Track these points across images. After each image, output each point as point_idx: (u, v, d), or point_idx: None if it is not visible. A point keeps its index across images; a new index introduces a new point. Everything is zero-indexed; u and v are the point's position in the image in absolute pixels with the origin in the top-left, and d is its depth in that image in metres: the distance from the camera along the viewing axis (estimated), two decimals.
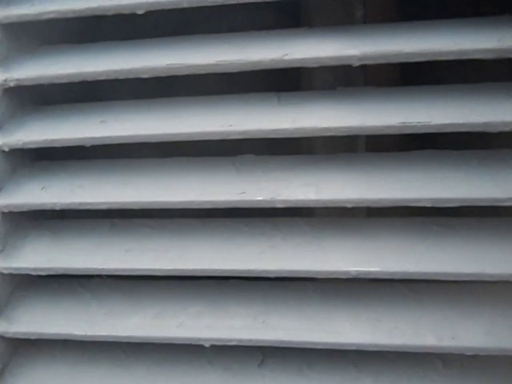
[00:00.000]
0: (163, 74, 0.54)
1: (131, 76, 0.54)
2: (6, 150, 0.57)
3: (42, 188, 0.58)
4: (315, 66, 0.52)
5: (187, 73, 0.53)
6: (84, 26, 0.65)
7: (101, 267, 0.55)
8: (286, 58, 0.52)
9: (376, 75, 0.65)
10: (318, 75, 0.67)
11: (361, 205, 0.51)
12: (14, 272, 0.57)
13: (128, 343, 0.58)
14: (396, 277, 0.51)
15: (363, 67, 0.65)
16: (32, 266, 0.57)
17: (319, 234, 0.55)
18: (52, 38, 0.62)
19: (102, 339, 0.56)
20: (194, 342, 0.54)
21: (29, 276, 0.58)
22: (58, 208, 0.56)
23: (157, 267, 0.54)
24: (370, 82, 0.66)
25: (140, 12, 0.54)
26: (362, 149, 0.66)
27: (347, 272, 0.51)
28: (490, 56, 0.48)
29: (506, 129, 0.48)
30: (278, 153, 0.57)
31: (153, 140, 0.54)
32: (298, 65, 0.52)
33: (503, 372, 0.53)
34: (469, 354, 0.50)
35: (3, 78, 0.56)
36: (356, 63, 0.51)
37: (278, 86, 0.59)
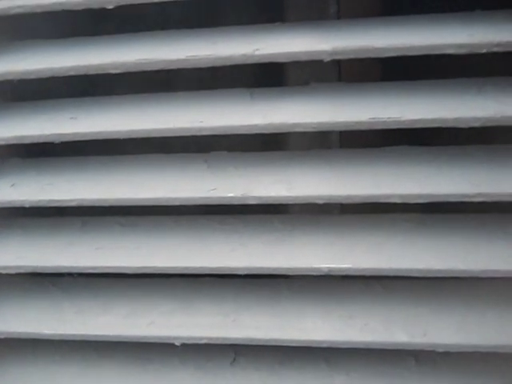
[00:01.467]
0: (133, 70, 0.53)
1: (100, 71, 0.54)
2: None
3: (12, 185, 0.57)
4: (286, 61, 0.51)
5: (157, 68, 0.53)
6: (57, 20, 0.65)
7: (70, 265, 0.55)
8: (257, 53, 0.51)
9: (351, 72, 0.64)
10: (294, 72, 0.66)
11: (332, 201, 0.51)
12: None
13: (100, 342, 0.57)
14: (367, 273, 0.50)
15: (338, 64, 0.65)
16: (1, 264, 0.56)
17: (292, 232, 0.55)
18: (22, 33, 0.61)
19: (72, 338, 0.55)
20: (164, 341, 0.53)
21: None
22: (27, 205, 0.55)
23: (127, 265, 0.54)
24: (345, 78, 0.65)
25: (110, 6, 0.53)
26: (335, 145, 0.65)
27: (318, 269, 0.51)
28: (461, 51, 0.48)
29: (477, 124, 0.48)
30: (257, 150, 0.57)
31: (121, 136, 0.54)
32: (269, 60, 0.51)
33: (476, 369, 0.52)
34: (440, 350, 0.50)
35: None
36: (327, 58, 0.50)
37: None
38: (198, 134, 0.53)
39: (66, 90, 0.62)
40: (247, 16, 0.67)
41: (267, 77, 0.70)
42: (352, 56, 0.50)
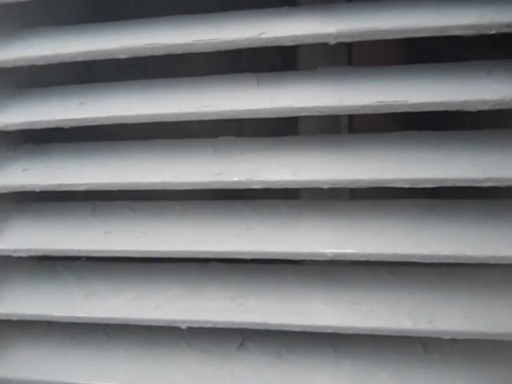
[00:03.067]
0: (140, 55, 0.53)
1: (108, 57, 0.54)
2: None
3: (24, 170, 0.58)
4: (291, 44, 0.51)
5: (163, 53, 0.53)
6: (65, 9, 0.65)
7: (80, 248, 0.55)
8: (263, 36, 0.51)
9: (362, 58, 0.64)
10: (304, 58, 0.66)
11: (338, 185, 0.51)
12: None
13: (109, 325, 0.58)
14: (372, 259, 0.50)
15: (348, 49, 0.64)
16: (12, 247, 0.57)
17: (298, 217, 0.54)
18: (33, 20, 0.61)
19: (81, 321, 0.56)
20: (170, 324, 0.54)
21: (11, 258, 0.58)
22: (37, 190, 0.56)
23: (135, 249, 0.54)
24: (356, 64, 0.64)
25: None
26: (344, 130, 0.65)
27: (323, 254, 0.50)
28: (469, 32, 0.47)
29: (485, 107, 0.47)
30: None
31: (128, 121, 0.54)
32: (274, 44, 0.51)
33: (483, 357, 0.52)
34: (446, 337, 0.49)
35: None
36: (332, 41, 0.50)
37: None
38: (204, 118, 0.53)
39: (74, 77, 0.62)
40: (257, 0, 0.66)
41: (278, 64, 0.70)
42: (358, 39, 0.49)
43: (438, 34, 0.47)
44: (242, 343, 0.56)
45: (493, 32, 0.46)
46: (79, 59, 0.54)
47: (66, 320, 0.56)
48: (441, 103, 0.48)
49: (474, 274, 0.52)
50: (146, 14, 0.57)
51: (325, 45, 0.52)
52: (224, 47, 0.52)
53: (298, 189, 0.66)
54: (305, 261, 0.55)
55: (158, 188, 0.53)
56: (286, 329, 0.52)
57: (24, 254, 0.57)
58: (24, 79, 0.61)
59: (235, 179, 0.52)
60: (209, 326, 0.53)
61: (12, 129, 0.57)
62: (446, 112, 0.49)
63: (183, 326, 0.53)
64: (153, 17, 0.56)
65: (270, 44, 0.51)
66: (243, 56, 0.75)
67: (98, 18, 0.59)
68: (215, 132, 0.57)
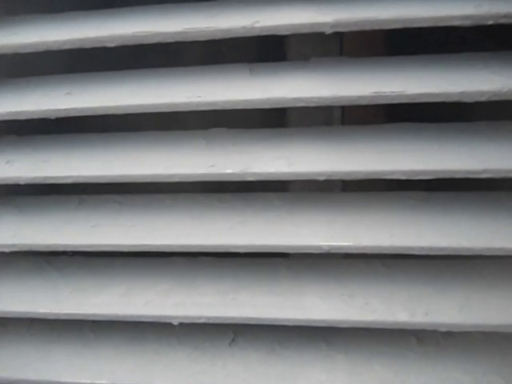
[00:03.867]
0: (130, 43, 0.52)
1: (97, 45, 0.52)
2: None
3: (7, 162, 0.56)
4: (287, 33, 0.50)
5: (154, 41, 0.51)
6: None
7: (66, 243, 0.53)
8: (257, 25, 0.50)
9: (353, 47, 0.63)
10: (295, 48, 0.65)
11: (333, 177, 0.50)
12: None
13: (96, 322, 0.57)
14: (369, 251, 0.49)
15: (339, 39, 0.63)
16: None
17: (292, 209, 0.54)
18: (16, 8, 0.59)
19: (67, 317, 0.54)
20: (161, 320, 0.52)
21: None
22: (22, 182, 0.54)
23: (123, 243, 0.53)
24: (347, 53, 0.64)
25: None
26: (337, 122, 0.64)
27: (319, 247, 0.50)
28: (467, 23, 0.47)
29: (482, 98, 0.47)
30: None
31: (118, 112, 0.52)
32: (270, 32, 0.50)
33: (478, 349, 0.51)
34: (442, 330, 0.49)
35: None
36: (329, 30, 0.49)
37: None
38: (196, 109, 0.51)
39: (61, 66, 0.60)
40: None
41: (267, 53, 0.69)
42: (355, 28, 0.49)
43: (435, 24, 0.47)
44: (233, 339, 0.55)
45: (490, 23, 0.46)
46: (66, 47, 0.53)
47: (52, 317, 0.54)
48: (438, 94, 0.47)
49: (469, 265, 0.52)
50: (137, 2, 0.56)
51: (316, 34, 0.51)
52: (218, 36, 0.51)
53: (288, 182, 0.66)
54: (295, 254, 0.54)
55: (150, 180, 0.52)
56: (279, 323, 0.51)
57: (7, 250, 0.55)
58: (7, 68, 0.59)
59: (229, 171, 0.50)
60: (201, 321, 0.51)
61: None
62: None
63: (175, 322, 0.52)
64: (143, 5, 0.55)
65: (264, 33, 0.50)
66: (223, 47, 0.74)
67: (87, 6, 0.58)
68: (209, 123, 0.56)
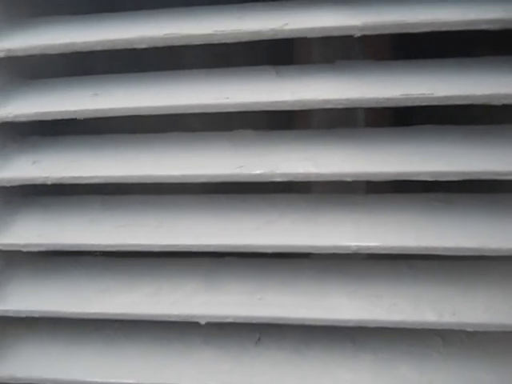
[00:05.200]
0: (159, 44, 0.52)
1: (127, 46, 0.53)
2: None
3: (34, 162, 0.56)
4: (316, 36, 0.50)
5: (183, 43, 0.52)
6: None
7: (92, 243, 0.54)
8: (286, 27, 0.50)
9: (374, 51, 0.64)
10: (316, 50, 0.66)
11: (360, 178, 0.50)
12: (4, 248, 0.55)
13: (120, 322, 0.57)
14: (396, 251, 0.50)
15: (362, 43, 0.64)
16: (22, 242, 0.55)
17: (317, 210, 0.54)
18: (45, 9, 0.60)
19: (94, 317, 0.54)
20: (189, 319, 0.52)
21: (20, 253, 0.56)
22: (49, 182, 0.55)
23: (150, 243, 0.53)
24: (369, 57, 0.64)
25: None
26: (360, 125, 0.65)
27: (347, 247, 0.50)
28: (495, 26, 0.47)
29: (510, 101, 0.47)
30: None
31: (145, 113, 0.53)
32: (299, 35, 0.50)
33: (503, 349, 0.52)
34: (469, 330, 0.49)
35: None
36: (357, 33, 0.49)
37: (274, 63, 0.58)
38: (224, 110, 0.52)
39: (86, 67, 0.61)
40: None
41: (288, 57, 0.70)
42: (383, 31, 0.49)
43: (464, 28, 0.48)
44: (259, 338, 0.55)
45: None
46: (97, 48, 0.53)
47: (79, 316, 0.55)
48: (466, 96, 0.48)
49: (494, 266, 0.52)
50: (162, 5, 0.56)
51: (336, 38, 0.52)
52: (246, 38, 0.51)
53: (309, 184, 0.66)
54: (317, 255, 0.55)
55: (179, 181, 0.52)
56: (307, 323, 0.51)
57: (34, 249, 0.55)
58: (32, 69, 0.60)
59: (258, 172, 0.51)
60: (229, 320, 0.52)
61: (22, 120, 0.55)
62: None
63: (202, 322, 0.52)
64: (172, 7, 0.55)
65: (293, 35, 0.51)
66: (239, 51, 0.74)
67: (108, 9, 0.58)
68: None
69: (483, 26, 0.47)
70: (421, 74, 0.51)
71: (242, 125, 0.57)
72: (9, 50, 0.55)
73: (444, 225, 0.51)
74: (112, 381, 0.53)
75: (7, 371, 0.55)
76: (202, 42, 0.52)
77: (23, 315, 0.55)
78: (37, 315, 0.55)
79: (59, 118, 0.55)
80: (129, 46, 0.52)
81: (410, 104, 0.49)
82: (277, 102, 0.51)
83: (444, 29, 0.48)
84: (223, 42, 0.51)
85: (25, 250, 0.55)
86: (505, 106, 0.48)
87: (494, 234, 0.49)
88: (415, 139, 0.52)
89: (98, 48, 0.53)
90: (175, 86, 0.54)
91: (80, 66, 0.61)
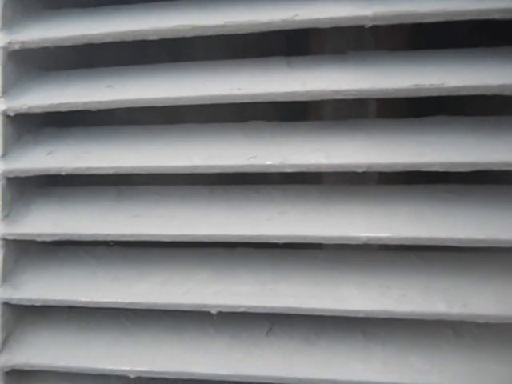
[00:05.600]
0: (170, 36, 0.53)
1: (138, 38, 0.53)
2: (12, 114, 0.56)
3: (48, 153, 0.57)
4: (327, 26, 0.50)
5: (194, 34, 0.52)
6: None
7: (107, 233, 0.55)
8: (297, 18, 0.50)
9: (386, 42, 0.63)
10: (328, 41, 0.66)
11: (372, 169, 0.50)
12: (19, 238, 0.56)
13: (133, 311, 0.58)
14: (407, 242, 0.50)
15: (375, 34, 0.64)
16: (37, 231, 0.56)
17: (329, 201, 0.54)
18: (59, 2, 0.60)
19: (107, 305, 0.55)
20: (201, 309, 0.53)
21: (34, 243, 0.57)
22: (63, 173, 0.55)
23: (164, 233, 0.54)
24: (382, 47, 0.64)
25: None
26: (372, 116, 0.65)
27: (357, 238, 0.50)
28: (508, 16, 0.47)
29: None
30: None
31: (159, 104, 0.53)
32: (310, 25, 0.51)
33: None
34: (480, 321, 0.49)
35: (8, 41, 0.55)
36: (368, 24, 0.49)
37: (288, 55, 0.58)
38: (236, 101, 0.52)
39: (99, 59, 0.61)
40: None
41: (300, 47, 0.70)
42: (394, 22, 0.49)
43: (476, 17, 0.47)
44: (270, 329, 0.55)
45: None
46: (108, 40, 0.54)
47: (92, 305, 0.55)
48: (478, 87, 0.48)
49: (505, 258, 0.52)
50: None
51: (349, 29, 0.52)
52: (258, 29, 0.51)
53: (321, 175, 0.66)
54: (329, 246, 0.55)
55: (190, 171, 0.53)
56: (318, 313, 0.52)
57: (49, 239, 0.56)
58: (47, 61, 0.60)
59: (269, 162, 0.51)
60: (240, 310, 0.52)
61: (37, 111, 0.56)
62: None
63: (214, 311, 0.53)
64: None
65: (304, 26, 0.51)
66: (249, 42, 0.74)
67: (119, 1, 0.59)
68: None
69: (496, 16, 0.47)
70: (432, 64, 0.50)
71: (254, 116, 0.57)
72: (23, 43, 0.55)
73: (455, 216, 0.50)
74: (124, 368, 0.54)
75: (22, 358, 0.56)
76: (213, 34, 0.52)
77: (38, 303, 0.56)
78: (51, 303, 0.56)
79: (74, 109, 0.55)
80: (140, 38, 0.53)
81: (420, 95, 0.49)
82: (288, 92, 0.51)
83: (455, 18, 0.48)
84: (234, 32, 0.52)
85: (39, 239, 0.56)
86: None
87: (504, 225, 0.49)
88: (427, 130, 0.52)
89: (109, 40, 0.53)
90: (188, 77, 0.55)
91: (92, 58, 0.61)
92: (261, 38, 0.59)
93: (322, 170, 0.51)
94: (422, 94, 0.49)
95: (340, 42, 0.64)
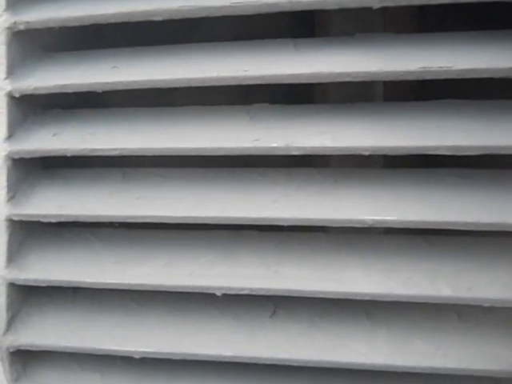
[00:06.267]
0: (176, 17, 0.52)
1: (143, 19, 0.53)
2: (17, 95, 0.56)
3: (54, 135, 0.57)
4: (333, 8, 0.50)
5: (200, 15, 0.52)
6: None
7: (112, 214, 0.55)
8: None
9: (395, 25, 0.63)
10: (335, 24, 0.65)
11: (378, 152, 0.50)
12: (25, 219, 0.56)
13: (139, 292, 0.58)
14: (413, 226, 0.50)
15: (382, 16, 0.63)
16: (42, 212, 0.56)
17: (334, 184, 0.54)
18: None
19: (112, 287, 0.55)
20: (205, 291, 0.53)
21: (39, 224, 0.57)
22: (69, 154, 0.55)
23: (169, 214, 0.54)
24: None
25: None
26: (379, 100, 0.64)
27: (362, 221, 0.50)
28: None
29: None
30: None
31: (164, 85, 0.53)
32: (315, 7, 0.50)
33: None
34: (486, 305, 0.49)
35: (12, 21, 0.55)
36: (376, 5, 0.49)
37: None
38: (242, 83, 0.52)
39: (105, 40, 0.61)
40: None
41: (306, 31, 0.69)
42: (404, 3, 0.49)
43: None
44: (274, 311, 0.56)
45: None
46: (113, 21, 0.53)
47: (97, 286, 0.56)
48: (486, 70, 0.47)
49: (510, 242, 0.52)
50: None
51: (358, 11, 0.52)
52: (264, 10, 0.51)
53: (327, 158, 0.66)
54: (334, 229, 0.55)
55: (195, 153, 0.53)
56: (322, 296, 0.52)
57: (54, 220, 0.56)
58: (52, 42, 0.60)
59: (274, 145, 0.51)
60: (244, 292, 0.52)
61: (42, 92, 0.56)
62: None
63: (218, 293, 0.53)
64: None
65: (310, 7, 0.50)
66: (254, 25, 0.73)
67: None
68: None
69: None
70: (440, 47, 0.50)
71: (259, 99, 0.57)
72: (28, 23, 0.55)
73: (462, 200, 0.50)
74: (129, 349, 0.54)
75: (27, 338, 0.57)
76: (219, 14, 0.52)
77: (43, 284, 0.56)
78: (56, 284, 0.56)
79: (79, 90, 0.55)
80: (145, 19, 0.52)
81: (428, 77, 0.49)
82: (295, 74, 0.50)
83: (462, 0, 0.47)
84: (240, 13, 0.51)
85: (45, 220, 0.56)
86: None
87: None
88: (434, 113, 0.52)
89: (115, 20, 0.53)
90: (194, 58, 0.55)
91: (98, 39, 0.61)
92: (267, 20, 0.59)
93: (328, 153, 0.51)
94: (431, 77, 0.49)
95: (347, 25, 0.63)
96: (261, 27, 0.65)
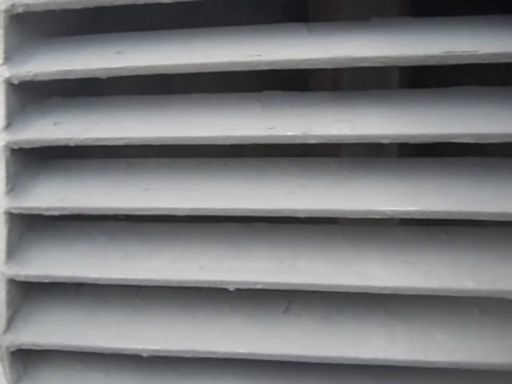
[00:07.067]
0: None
1: (150, 0, 0.50)
2: (16, 82, 0.53)
3: (55, 124, 0.54)
4: None
5: None
6: None
7: (118, 206, 0.52)
8: None
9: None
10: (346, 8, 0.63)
11: (399, 141, 0.48)
12: (25, 212, 0.54)
13: (144, 288, 0.56)
14: (435, 216, 0.48)
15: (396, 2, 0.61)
16: (44, 205, 0.53)
17: (350, 174, 0.52)
18: None
19: (118, 282, 0.53)
20: (217, 286, 0.51)
21: (40, 217, 0.55)
22: (72, 144, 0.53)
23: (177, 206, 0.51)
24: None
25: None
26: (394, 86, 0.62)
27: (382, 212, 0.48)
28: None
29: None
30: None
31: (173, 71, 0.51)
32: None
33: None
34: (510, 297, 0.47)
35: (11, 3, 0.52)
36: None
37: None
38: (256, 68, 0.50)
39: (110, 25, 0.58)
40: None
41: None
42: None
43: None
44: (288, 307, 0.54)
45: None
46: (119, 3, 0.51)
47: (102, 282, 0.53)
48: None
49: None
50: None
51: None
52: None
53: (339, 147, 0.64)
54: (345, 220, 0.53)
55: (207, 143, 0.50)
56: (339, 290, 0.50)
57: (57, 213, 0.53)
58: (54, 26, 0.57)
59: (290, 133, 0.49)
60: (258, 287, 0.50)
61: (42, 78, 0.53)
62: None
63: (231, 288, 0.51)
64: None
65: None
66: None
67: None
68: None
69: None
70: (464, 30, 0.48)
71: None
72: (27, 5, 0.52)
73: (485, 189, 0.49)
74: (137, 347, 0.52)
75: (29, 337, 0.54)
76: None
77: (46, 280, 0.54)
78: (59, 280, 0.54)
79: (82, 76, 0.52)
80: (152, 1, 0.50)
81: (451, 62, 0.47)
82: (311, 59, 0.48)
83: None
84: None
85: (46, 213, 0.53)
86: None
87: None
88: (455, 100, 0.50)
89: (120, 3, 0.50)
90: (204, 43, 0.52)
91: (101, 23, 0.58)
92: (275, 3, 0.57)
93: (346, 141, 0.49)
94: (454, 62, 0.47)
95: (359, 10, 0.61)
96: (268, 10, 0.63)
